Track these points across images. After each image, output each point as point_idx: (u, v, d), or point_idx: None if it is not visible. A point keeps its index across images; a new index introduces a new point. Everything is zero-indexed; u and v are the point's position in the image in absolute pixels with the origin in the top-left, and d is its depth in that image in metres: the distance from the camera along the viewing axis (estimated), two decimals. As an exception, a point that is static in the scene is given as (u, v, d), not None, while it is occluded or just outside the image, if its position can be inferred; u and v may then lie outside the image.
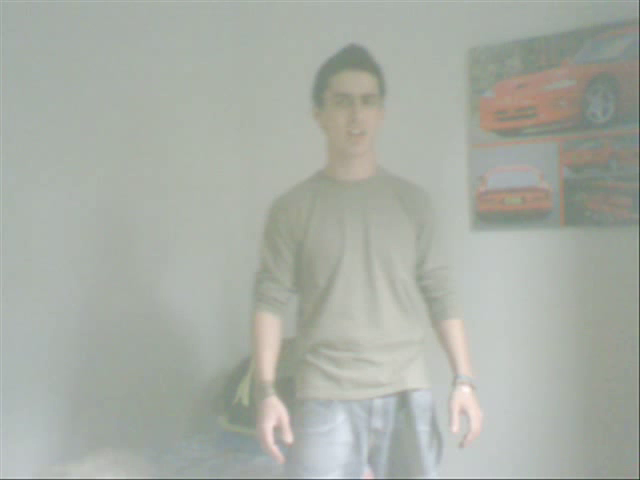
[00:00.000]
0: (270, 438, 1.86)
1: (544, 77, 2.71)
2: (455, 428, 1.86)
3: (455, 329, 2.00)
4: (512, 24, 2.75)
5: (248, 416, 2.72)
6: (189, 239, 3.11)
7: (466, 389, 1.93)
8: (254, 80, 3.35)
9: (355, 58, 1.93)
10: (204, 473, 2.51)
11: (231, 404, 2.82)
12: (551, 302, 2.71)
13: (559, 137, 2.68)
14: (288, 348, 2.03)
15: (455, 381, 1.94)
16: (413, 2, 2.91)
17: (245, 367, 2.86)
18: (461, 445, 1.90)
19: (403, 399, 1.92)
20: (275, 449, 1.86)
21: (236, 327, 3.27)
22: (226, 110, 3.30)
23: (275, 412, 1.87)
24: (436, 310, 2.03)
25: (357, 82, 1.90)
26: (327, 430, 1.88)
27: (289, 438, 1.86)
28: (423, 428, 1.92)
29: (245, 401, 2.77)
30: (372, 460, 1.95)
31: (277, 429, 1.87)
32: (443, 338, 2.01)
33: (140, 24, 2.90)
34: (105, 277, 2.77)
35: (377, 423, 1.90)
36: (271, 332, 1.97)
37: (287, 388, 1.98)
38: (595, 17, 2.59)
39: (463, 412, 1.90)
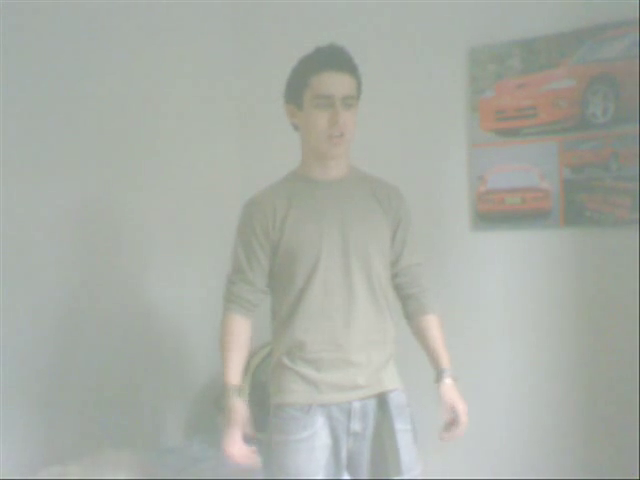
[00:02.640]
0: (240, 446, 1.86)
1: (544, 77, 2.71)
2: (447, 420, 1.92)
3: (433, 324, 2.01)
4: (512, 24, 2.75)
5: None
6: (187, 239, 3.10)
7: (449, 381, 1.95)
8: (252, 79, 3.34)
9: (337, 59, 1.88)
10: (204, 473, 2.51)
11: (231, 404, 2.81)
12: (551, 302, 2.71)
13: (559, 137, 2.68)
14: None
15: (440, 375, 1.96)
16: (413, 2, 2.91)
17: (245, 367, 2.85)
18: (448, 439, 1.94)
19: (381, 400, 1.92)
20: (248, 454, 1.87)
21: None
22: (224, 108, 3.29)
23: (240, 417, 1.87)
24: (412, 307, 2.04)
25: (339, 84, 1.86)
26: (307, 436, 1.86)
27: (251, 432, 1.88)
28: (402, 427, 1.92)
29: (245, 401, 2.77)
30: (352, 463, 1.93)
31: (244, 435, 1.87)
32: (421, 334, 2.02)
33: (138, 23, 2.90)
34: (102, 277, 2.76)
35: (356, 426, 1.89)
36: (241, 334, 1.94)
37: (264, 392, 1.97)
38: (595, 17, 2.59)
39: (453, 408, 1.93)
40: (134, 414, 2.82)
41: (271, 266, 1.95)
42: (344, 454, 1.90)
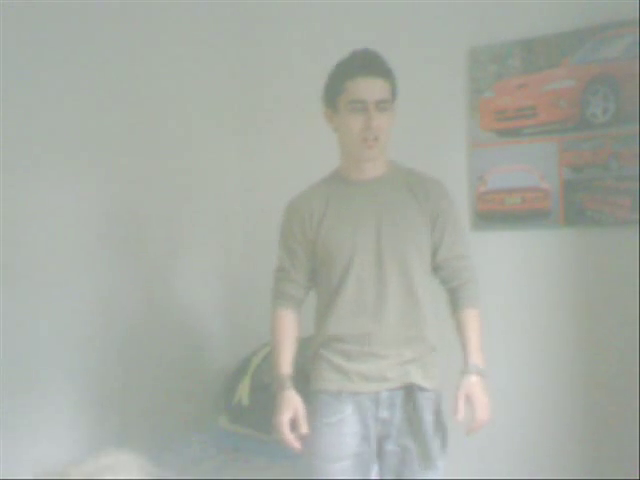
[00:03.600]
0: (286, 429, 1.96)
1: (544, 77, 2.71)
2: (459, 416, 1.92)
3: (467, 319, 2.03)
4: (512, 24, 2.75)
5: (248, 416, 2.72)
6: (190, 240, 3.11)
7: (474, 378, 1.96)
8: (255, 83, 3.34)
9: (370, 64, 1.96)
10: (204, 473, 2.51)
11: (231, 404, 2.82)
12: (551, 302, 2.71)
13: (559, 137, 2.68)
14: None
15: (463, 370, 1.98)
16: (413, 2, 2.91)
17: (245, 367, 2.86)
18: (467, 433, 1.96)
19: (409, 393, 1.97)
20: (292, 439, 1.96)
21: (236, 327, 3.27)
22: (227, 113, 3.30)
23: (291, 405, 1.96)
24: (452, 300, 2.07)
25: (372, 89, 1.93)
26: (336, 421, 1.96)
27: (304, 429, 1.96)
28: (429, 417, 1.97)
29: (245, 401, 2.77)
30: (382, 449, 2.00)
31: (294, 421, 1.96)
32: (458, 328, 2.05)
33: (142, 29, 2.91)
34: (108, 278, 2.77)
35: (384, 413, 1.97)
36: (289, 327, 2.06)
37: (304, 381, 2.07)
38: (595, 17, 2.59)
39: (469, 400, 1.94)
40: (134, 414, 2.82)
41: (312, 264, 2.05)
42: (374, 440, 1.98)
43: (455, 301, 2.06)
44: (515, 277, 2.79)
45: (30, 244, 2.50)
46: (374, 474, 2.05)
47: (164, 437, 2.85)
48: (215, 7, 3.25)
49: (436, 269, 2.06)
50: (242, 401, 2.77)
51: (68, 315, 2.63)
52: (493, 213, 2.82)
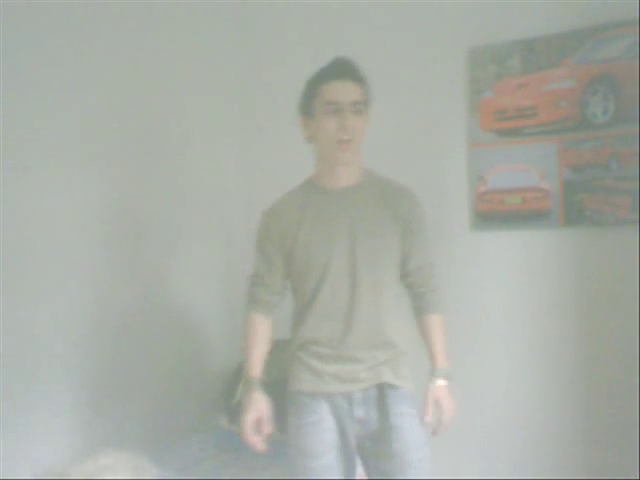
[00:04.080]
0: (249, 430, 2.02)
1: (544, 77, 2.71)
2: (428, 418, 2.01)
3: (434, 323, 2.11)
4: (512, 24, 2.75)
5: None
6: (189, 240, 3.11)
7: (441, 382, 2.04)
8: (255, 84, 3.34)
9: (343, 69, 2.02)
10: (204, 473, 2.51)
11: (231, 404, 2.81)
12: (551, 302, 2.71)
13: (559, 137, 2.68)
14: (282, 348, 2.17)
15: (431, 374, 2.06)
16: (413, 2, 2.91)
17: (239, 366, 2.86)
18: (433, 433, 2.04)
19: (381, 391, 2.03)
20: (254, 439, 2.02)
21: (236, 328, 3.26)
22: (227, 113, 3.30)
23: (257, 406, 2.03)
24: (418, 305, 2.14)
25: (346, 90, 1.99)
26: (314, 420, 2.02)
27: (267, 430, 2.03)
28: (406, 410, 2.02)
29: (245, 401, 2.77)
30: (360, 447, 2.06)
31: (259, 422, 2.03)
32: (423, 332, 2.11)
33: (141, 29, 2.91)
34: (107, 277, 2.77)
35: (359, 412, 2.02)
36: (261, 331, 2.13)
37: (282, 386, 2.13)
38: (595, 17, 2.59)
39: (436, 403, 2.02)
40: (134, 414, 2.82)
41: (287, 270, 2.11)
42: (352, 438, 2.04)
43: (421, 306, 2.12)
44: (515, 277, 2.79)
45: (27, 243, 2.48)
46: (358, 474, 2.11)
47: (164, 437, 2.85)
48: (215, 7, 3.25)
49: (405, 275, 2.12)
50: (242, 401, 2.77)
51: (66, 315, 2.62)
52: (493, 213, 2.82)
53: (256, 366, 2.08)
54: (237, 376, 2.87)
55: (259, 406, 2.03)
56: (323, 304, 2.04)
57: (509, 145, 2.78)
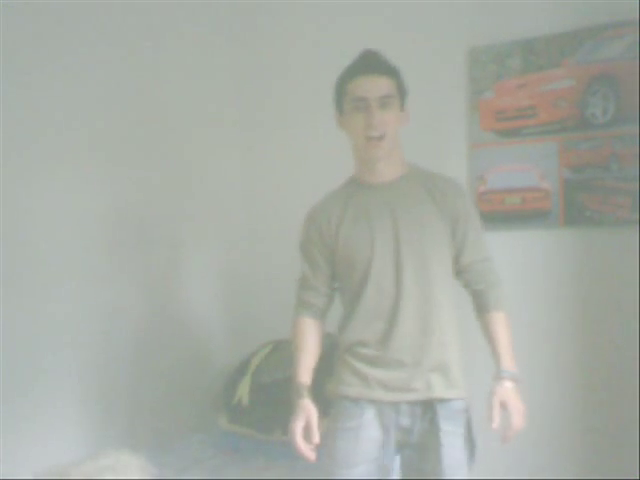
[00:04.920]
0: (299, 438, 1.92)
1: (544, 77, 2.71)
2: (495, 424, 1.87)
3: (496, 322, 2.00)
4: (512, 24, 2.75)
5: (248, 416, 2.72)
6: (190, 241, 3.11)
7: (507, 383, 1.92)
8: (256, 82, 3.34)
9: (369, 63, 1.97)
10: (204, 473, 2.51)
11: (231, 404, 2.81)
12: (551, 302, 2.71)
13: (559, 137, 2.68)
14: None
15: (496, 375, 1.94)
16: (413, 2, 2.91)
17: (245, 367, 2.86)
18: (503, 440, 1.91)
19: (431, 404, 1.94)
20: (303, 447, 1.92)
21: (236, 328, 3.27)
22: (228, 113, 3.30)
23: (305, 413, 1.93)
24: (478, 303, 2.03)
25: (372, 86, 1.93)
26: (354, 425, 1.94)
27: (315, 439, 1.92)
28: (451, 429, 1.93)
29: (245, 401, 2.77)
30: (401, 454, 1.99)
31: (307, 430, 1.93)
32: (485, 332, 2.01)
33: (143, 30, 2.91)
34: (107, 278, 2.77)
35: (404, 421, 1.94)
36: (309, 336, 2.04)
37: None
38: (595, 17, 2.59)
39: (504, 407, 1.89)
40: (134, 414, 2.82)
41: (332, 271, 2.05)
42: (392, 450, 1.96)
43: (482, 304, 2.02)
44: (515, 277, 2.78)
45: (33, 245, 2.50)
46: (395, 474, 2.01)
47: (164, 437, 2.85)
48: (216, 7, 3.25)
49: (460, 272, 2.02)
50: (242, 401, 2.77)
51: (69, 317, 2.62)
52: (493, 213, 2.81)
53: (304, 372, 1.99)
54: (237, 376, 2.88)
55: (308, 413, 1.93)
56: (368, 303, 1.95)
57: (509, 145, 2.78)
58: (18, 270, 2.44)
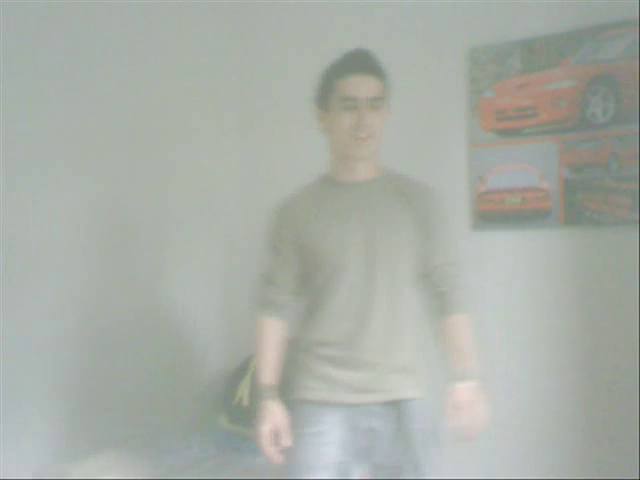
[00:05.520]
0: (266, 440, 1.89)
1: (544, 77, 2.71)
2: (452, 424, 1.87)
3: (462, 324, 2.01)
4: (512, 24, 2.75)
5: (248, 416, 2.72)
6: (189, 240, 3.11)
7: (469, 383, 1.92)
8: (254, 81, 3.34)
9: (361, 62, 1.94)
10: (204, 473, 2.51)
11: (231, 404, 2.82)
12: (551, 302, 2.71)
13: (559, 137, 2.68)
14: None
15: (459, 376, 1.94)
16: (413, 2, 2.91)
17: (245, 367, 2.86)
18: (463, 439, 1.90)
19: (397, 405, 1.93)
20: (271, 451, 1.89)
21: (236, 327, 3.27)
22: (226, 114, 3.30)
23: (272, 416, 1.90)
24: (441, 306, 2.02)
25: (363, 86, 1.91)
26: (318, 431, 1.90)
27: (286, 442, 1.88)
28: (417, 426, 1.92)
29: (245, 401, 2.77)
30: (370, 460, 1.94)
31: (275, 433, 1.89)
32: (448, 333, 2.00)
33: (141, 28, 2.91)
34: (105, 278, 2.77)
35: (369, 423, 1.91)
36: (272, 335, 1.99)
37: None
38: (595, 17, 2.59)
39: (462, 407, 1.89)
40: (134, 414, 2.82)
41: (301, 268, 2.00)
42: (357, 449, 1.92)
43: (445, 306, 2.01)
44: (515, 277, 2.78)
45: (17, 245, 2.46)
46: (362, 474, 1.98)
47: (164, 437, 2.85)
48: (214, 7, 3.25)
49: (427, 274, 2.02)
50: (242, 401, 2.77)
51: (64, 317, 2.62)
52: (493, 213, 2.81)
53: (269, 373, 1.96)
54: (237, 376, 2.88)
55: (275, 416, 1.91)
56: (337, 302, 1.92)
57: (509, 145, 2.78)
58: (7, 270, 2.42)
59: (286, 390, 1.95)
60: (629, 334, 2.55)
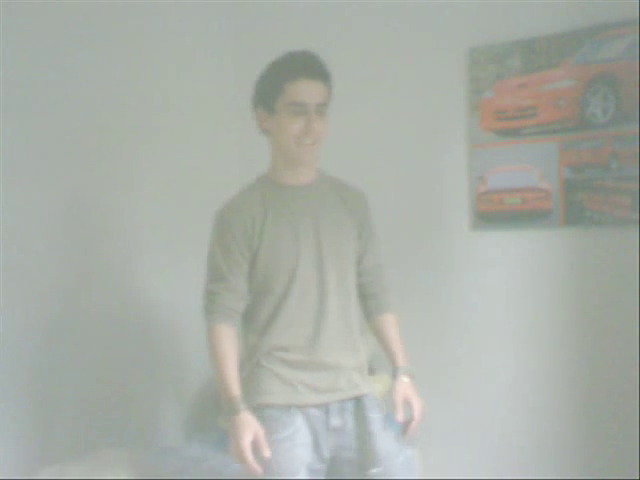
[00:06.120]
0: (249, 454, 1.82)
1: (544, 77, 2.71)
2: (399, 417, 1.94)
3: (392, 323, 2.07)
4: (512, 24, 2.75)
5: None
6: (188, 241, 3.10)
7: (406, 379, 2.00)
8: (253, 82, 3.34)
9: (312, 66, 1.90)
10: (204, 473, 2.51)
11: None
12: (551, 302, 2.71)
13: (559, 137, 2.68)
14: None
15: (395, 372, 2.01)
16: (413, 2, 2.91)
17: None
18: (404, 433, 1.97)
19: (358, 401, 1.97)
20: (254, 464, 1.83)
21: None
22: (225, 112, 3.29)
23: (250, 427, 1.83)
24: (372, 306, 2.09)
25: (313, 91, 1.88)
26: (287, 435, 1.88)
27: (267, 453, 1.83)
28: (375, 416, 1.96)
29: (245, 401, 2.76)
30: (339, 459, 1.94)
31: (254, 444, 1.84)
32: (380, 332, 2.07)
33: (137, 24, 2.91)
34: (95, 274, 2.76)
35: (335, 421, 1.93)
36: (231, 345, 1.92)
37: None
38: (595, 17, 2.59)
39: (406, 402, 1.97)
40: (133, 414, 2.82)
41: (250, 272, 1.95)
42: (326, 450, 1.92)
43: (376, 306, 2.08)
44: (515, 277, 2.79)
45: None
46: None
47: (164, 437, 2.85)
48: (214, 5, 3.25)
49: (359, 275, 2.06)
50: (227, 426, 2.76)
51: (66, 317, 2.62)
52: (493, 213, 2.82)
53: (235, 384, 1.87)
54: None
55: (253, 427, 1.83)
56: (292, 307, 1.91)
57: (509, 145, 2.78)
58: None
59: (245, 396, 1.89)
60: (629, 334, 2.55)
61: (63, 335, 2.62)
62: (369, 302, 2.09)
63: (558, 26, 2.66)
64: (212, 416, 2.96)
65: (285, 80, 1.89)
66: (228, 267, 1.93)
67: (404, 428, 1.98)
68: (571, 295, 2.67)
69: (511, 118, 2.77)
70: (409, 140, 2.97)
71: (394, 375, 2.00)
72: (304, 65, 1.90)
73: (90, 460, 2.41)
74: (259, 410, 1.89)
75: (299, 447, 1.88)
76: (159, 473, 2.44)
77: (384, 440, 1.94)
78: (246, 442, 1.82)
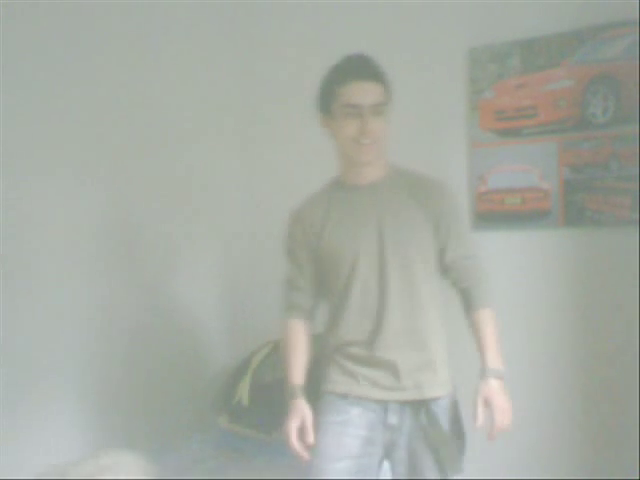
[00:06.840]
0: (293, 437, 1.93)
1: (544, 77, 2.71)
2: (479, 422, 1.88)
3: (482, 320, 1.98)
4: (512, 24, 2.75)
5: (248, 416, 2.72)
6: (191, 241, 3.11)
7: (493, 381, 1.93)
8: (255, 82, 3.34)
9: (362, 68, 1.94)
10: (204, 473, 2.51)
11: (231, 404, 2.81)
12: (551, 302, 2.71)
13: (559, 137, 2.68)
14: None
15: (482, 373, 1.94)
16: (413, 2, 2.91)
17: (245, 367, 2.86)
18: (488, 438, 1.92)
19: (419, 404, 1.94)
20: (297, 447, 1.93)
21: (236, 327, 3.27)
22: (226, 113, 3.30)
23: (299, 413, 1.94)
24: (465, 302, 2.02)
25: (366, 93, 1.91)
26: (340, 420, 1.95)
27: (310, 439, 1.92)
28: (442, 425, 1.94)
29: (245, 401, 2.77)
30: (391, 456, 1.98)
31: (301, 430, 1.94)
32: (473, 329, 2.00)
33: (141, 30, 2.91)
34: (105, 278, 2.77)
35: (392, 419, 1.94)
36: (298, 337, 2.05)
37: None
38: (595, 17, 2.59)
39: (488, 405, 1.90)
40: (133, 414, 2.82)
41: (317, 272, 2.05)
42: (380, 445, 1.95)
43: (468, 302, 2.01)
44: (515, 277, 2.78)
45: (31, 248, 2.50)
46: (383, 474, 2.01)
47: (164, 437, 2.85)
48: (215, 7, 3.25)
49: (446, 270, 2.02)
50: (242, 401, 2.77)
51: (67, 317, 2.63)
52: (493, 213, 2.82)
53: (297, 374, 2.00)
54: (237, 376, 2.88)
55: (302, 413, 1.94)
56: (353, 303, 1.96)
57: (509, 145, 2.78)
58: (15, 272, 2.44)
59: (315, 383, 2.02)
60: (629, 334, 2.56)
61: (78, 340, 2.67)
62: (462, 298, 2.03)
63: (558, 26, 2.66)
64: (212, 416, 2.96)
65: (337, 83, 1.94)
66: (295, 269, 2.07)
67: (488, 434, 1.91)
68: (571, 295, 2.67)
69: (511, 118, 2.77)
70: (409, 140, 2.97)
71: (481, 376, 1.93)
72: (354, 67, 1.95)
73: (91, 460, 2.40)
74: (323, 397, 2.01)
75: (349, 437, 1.94)
76: (159, 473, 2.44)
77: (441, 452, 1.91)
78: (292, 426, 1.93)
